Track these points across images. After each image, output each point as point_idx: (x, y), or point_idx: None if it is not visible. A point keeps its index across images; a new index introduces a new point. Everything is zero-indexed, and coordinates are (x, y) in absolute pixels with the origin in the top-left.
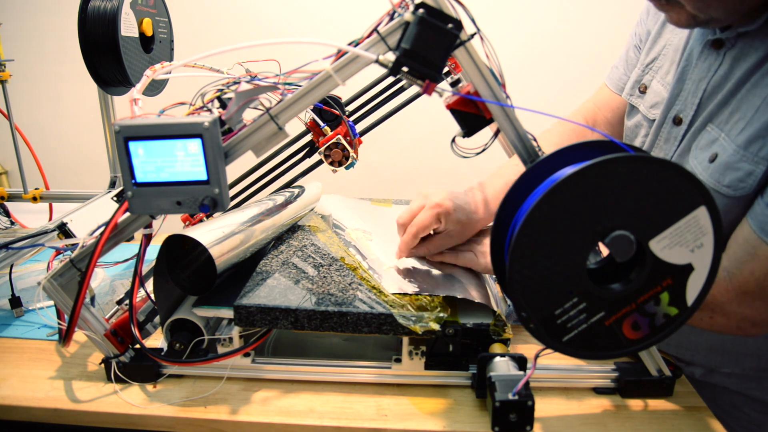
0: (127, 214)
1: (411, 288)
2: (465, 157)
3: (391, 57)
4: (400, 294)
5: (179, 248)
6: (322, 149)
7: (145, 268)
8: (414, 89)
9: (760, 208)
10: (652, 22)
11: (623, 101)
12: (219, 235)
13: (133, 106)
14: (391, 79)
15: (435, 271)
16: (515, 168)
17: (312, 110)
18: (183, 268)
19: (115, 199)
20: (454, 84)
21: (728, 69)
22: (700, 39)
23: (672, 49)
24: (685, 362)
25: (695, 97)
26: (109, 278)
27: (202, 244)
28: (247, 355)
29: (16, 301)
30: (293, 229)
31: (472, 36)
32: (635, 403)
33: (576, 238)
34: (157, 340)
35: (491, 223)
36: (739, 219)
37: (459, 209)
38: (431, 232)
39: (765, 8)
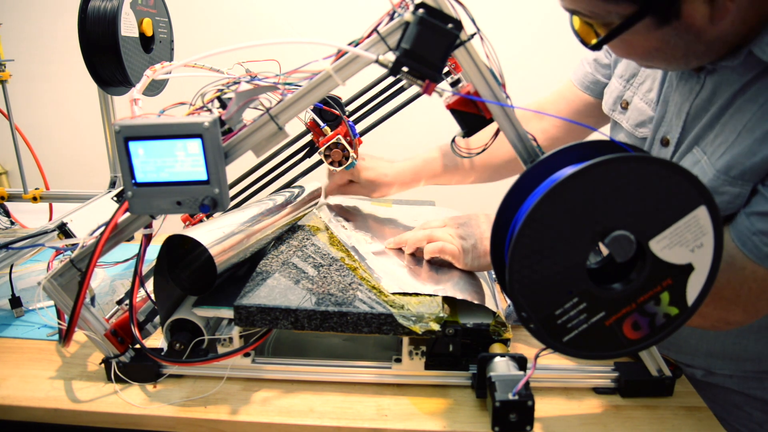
0: (127, 214)
1: (411, 288)
2: (465, 156)
3: (391, 57)
4: (400, 294)
5: (179, 248)
6: (322, 149)
7: (145, 268)
8: (414, 89)
9: (740, 219)
10: None
11: (586, 99)
12: (219, 235)
13: (133, 106)
14: (391, 79)
15: (435, 272)
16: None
17: (312, 110)
18: (183, 268)
19: (115, 199)
20: (454, 84)
21: (711, 93)
22: None
23: None
24: (684, 365)
25: (679, 120)
26: (109, 278)
27: (202, 244)
28: (247, 355)
29: (16, 301)
30: (293, 229)
31: (472, 36)
32: (635, 403)
33: (576, 238)
34: (157, 340)
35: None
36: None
37: (370, 169)
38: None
39: (740, 46)
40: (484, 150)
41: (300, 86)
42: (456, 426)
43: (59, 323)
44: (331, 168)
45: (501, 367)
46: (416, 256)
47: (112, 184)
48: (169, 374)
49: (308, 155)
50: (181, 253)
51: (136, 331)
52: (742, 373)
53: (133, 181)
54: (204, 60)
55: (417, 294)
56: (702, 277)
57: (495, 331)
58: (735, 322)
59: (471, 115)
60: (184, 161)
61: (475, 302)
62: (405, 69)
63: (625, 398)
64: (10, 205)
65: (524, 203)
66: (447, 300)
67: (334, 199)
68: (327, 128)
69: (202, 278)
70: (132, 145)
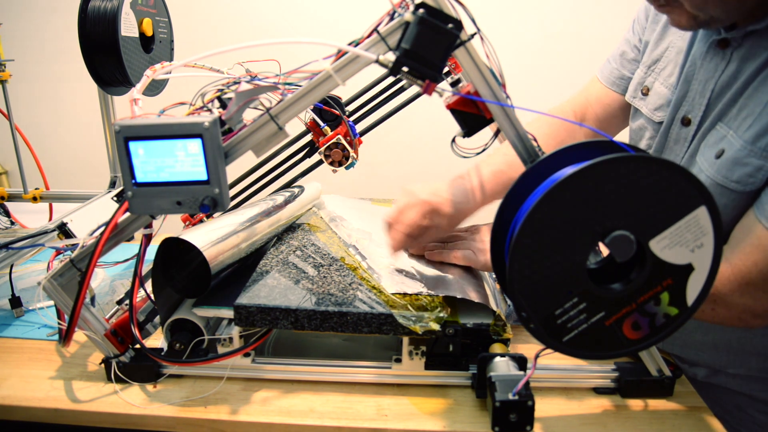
0: (127, 214)
1: (411, 288)
2: (465, 157)
3: (391, 57)
4: (400, 294)
5: (175, 251)
6: (322, 149)
7: (145, 268)
8: (414, 89)
9: (767, 198)
10: (652, 27)
11: (615, 97)
12: (215, 237)
13: (133, 106)
14: (391, 79)
15: (435, 271)
16: (503, 157)
17: (312, 110)
18: (178, 270)
19: (115, 199)
20: (454, 84)
21: (737, 68)
22: (704, 39)
23: (674, 51)
24: (689, 363)
25: (703, 98)
26: (109, 278)
27: (196, 247)
28: (247, 355)
29: (16, 301)
30: (293, 228)
31: (473, 36)
32: (635, 403)
33: (576, 238)
34: (157, 340)
35: (489, 222)
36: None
37: (446, 203)
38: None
39: None
40: (484, 150)
41: (300, 86)
42: (456, 426)
43: (59, 323)
44: (332, 168)
45: (501, 367)
46: (417, 254)
47: (112, 184)
48: (169, 374)
49: (308, 155)
50: (177, 256)
51: (136, 331)
52: (746, 371)
53: (133, 181)
54: (204, 60)
55: (417, 294)
56: (702, 277)
57: (495, 331)
58: (763, 313)
59: (471, 115)
60: (184, 161)
61: (476, 301)
62: (405, 69)
63: (625, 398)
64: (10, 205)
65: (524, 203)
66: (447, 300)
67: (335, 198)
68: (327, 128)
69: (197, 281)
70: (132, 145)
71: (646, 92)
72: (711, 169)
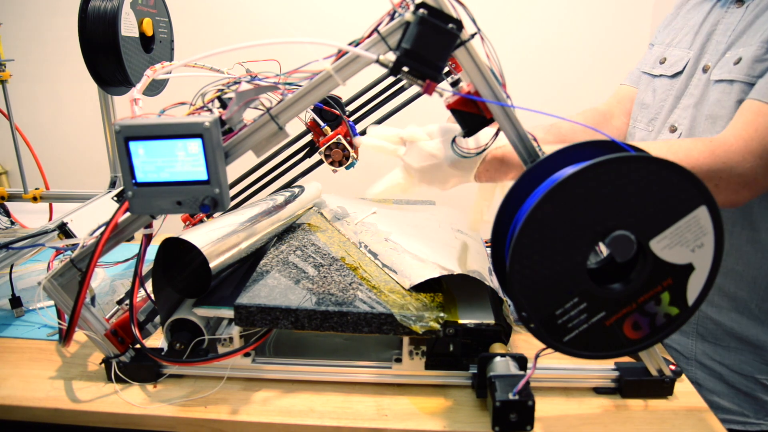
0: (128, 214)
1: (428, 273)
2: (465, 156)
3: (391, 57)
4: (401, 293)
5: (176, 251)
6: (322, 149)
7: (145, 268)
8: (414, 89)
9: (762, 82)
10: (664, 24)
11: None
12: (215, 237)
13: (133, 106)
14: (391, 79)
15: (447, 254)
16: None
17: (312, 110)
18: (179, 270)
19: (115, 199)
20: (454, 84)
21: (753, 17)
22: (723, 3)
23: (690, 24)
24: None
25: (721, 45)
26: (109, 278)
27: (197, 247)
28: (247, 355)
29: (16, 301)
30: (293, 228)
31: (473, 36)
32: (635, 403)
33: (576, 238)
34: (157, 340)
35: None
36: None
37: None
38: None
39: None
40: (484, 150)
41: (300, 86)
42: (456, 426)
43: (59, 323)
44: (332, 168)
45: (501, 366)
46: (428, 241)
47: (112, 184)
48: (169, 374)
49: (308, 155)
50: (177, 256)
51: (136, 331)
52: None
53: (134, 181)
54: (204, 60)
55: (420, 292)
56: (702, 277)
57: (498, 331)
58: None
59: (471, 114)
60: (184, 161)
61: (486, 283)
62: (405, 69)
63: (626, 398)
64: (10, 205)
65: (525, 203)
66: (447, 299)
67: (335, 197)
68: (327, 128)
69: (197, 281)
70: (132, 145)
71: (663, 61)
72: (731, 73)
